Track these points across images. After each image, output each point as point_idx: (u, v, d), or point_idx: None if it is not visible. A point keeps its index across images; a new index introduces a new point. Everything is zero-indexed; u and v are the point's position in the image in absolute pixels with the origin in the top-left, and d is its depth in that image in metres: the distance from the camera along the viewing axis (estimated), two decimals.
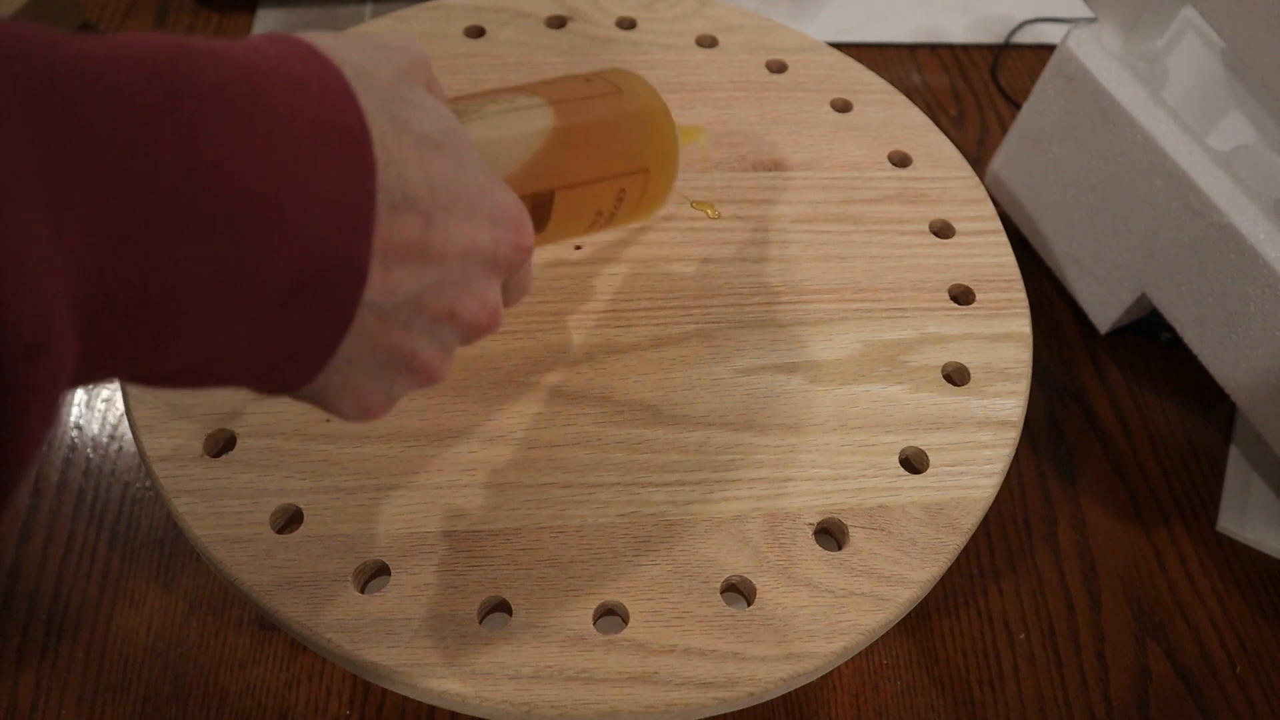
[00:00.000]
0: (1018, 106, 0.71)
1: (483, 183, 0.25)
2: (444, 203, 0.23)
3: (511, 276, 0.28)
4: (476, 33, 0.52)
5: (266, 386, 0.23)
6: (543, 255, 0.43)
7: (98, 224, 0.17)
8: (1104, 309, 0.58)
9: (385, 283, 0.23)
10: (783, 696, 0.46)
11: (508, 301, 0.29)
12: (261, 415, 0.37)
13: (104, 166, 0.17)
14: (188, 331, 0.20)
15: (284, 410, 0.38)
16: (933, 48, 0.76)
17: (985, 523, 0.53)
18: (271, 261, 0.20)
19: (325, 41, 0.23)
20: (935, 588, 0.37)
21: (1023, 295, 0.44)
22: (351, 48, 0.23)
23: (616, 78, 0.34)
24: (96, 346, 0.18)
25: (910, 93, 0.72)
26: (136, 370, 0.20)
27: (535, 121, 0.30)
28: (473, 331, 0.26)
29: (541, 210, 0.31)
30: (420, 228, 0.23)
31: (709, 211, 0.45)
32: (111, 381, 0.21)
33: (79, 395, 0.54)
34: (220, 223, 0.19)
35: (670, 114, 0.35)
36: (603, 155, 0.33)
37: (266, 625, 0.47)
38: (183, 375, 0.21)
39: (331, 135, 0.21)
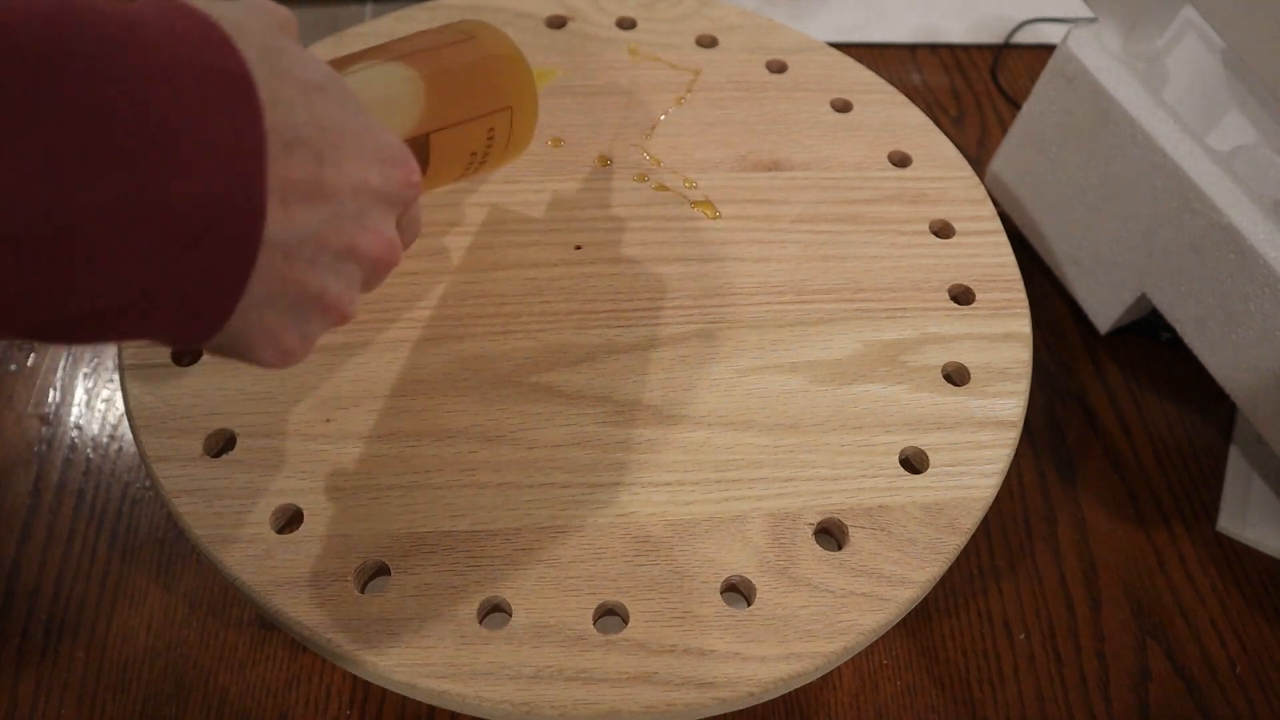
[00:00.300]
0: (1018, 106, 0.71)
1: (366, 124, 0.27)
2: (333, 141, 0.25)
3: (404, 214, 0.29)
4: None
5: (179, 336, 0.24)
6: (543, 255, 0.43)
7: (3, 162, 0.19)
8: (1104, 309, 0.58)
9: (286, 219, 0.24)
10: (783, 696, 0.46)
11: (406, 239, 0.30)
12: (261, 415, 0.37)
13: (10, 106, 0.19)
14: (95, 273, 0.21)
15: (284, 410, 0.38)
16: (933, 48, 0.76)
17: (985, 523, 0.53)
18: (173, 200, 0.21)
19: (197, 3, 0.24)
20: (935, 588, 0.37)
21: (1023, 295, 0.44)
22: (224, 8, 0.24)
23: (467, 26, 0.37)
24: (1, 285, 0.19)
25: (910, 93, 0.72)
26: (41, 315, 0.21)
27: (400, 73, 0.33)
28: (374, 266, 0.28)
29: (419, 154, 0.33)
30: (313, 165, 0.24)
31: (708, 212, 0.45)
32: (17, 336, 0.22)
33: (79, 395, 0.54)
34: (124, 161, 0.20)
35: (522, 54, 0.37)
36: (467, 97, 0.35)
37: (266, 625, 0.47)
38: (90, 324, 0.22)
39: (217, 79, 0.22)
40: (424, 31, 0.36)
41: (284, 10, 0.28)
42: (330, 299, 0.27)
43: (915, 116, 0.50)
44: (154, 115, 0.20)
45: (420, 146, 0.33)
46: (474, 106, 0.36)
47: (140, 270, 0.21)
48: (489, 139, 0.37)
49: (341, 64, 0.33)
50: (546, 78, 0.42)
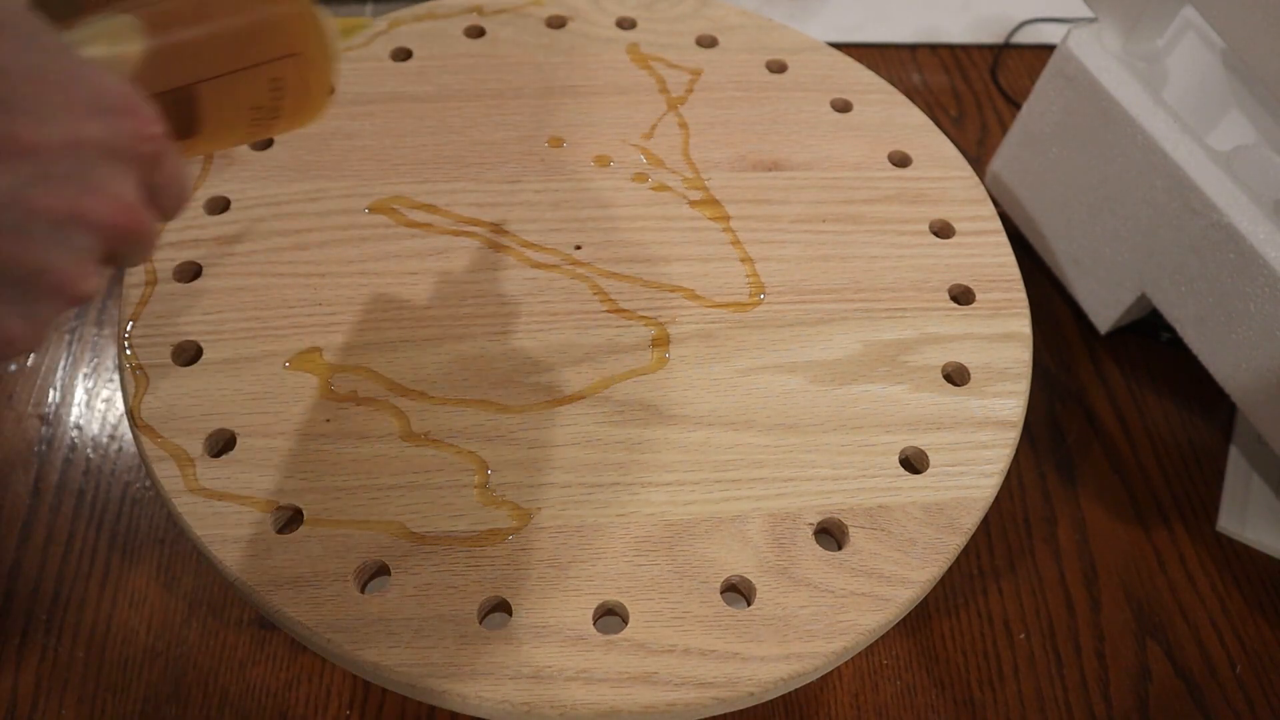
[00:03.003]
0: (1018, 106, 0.71)
1: (72, 67, 0.23)
2: (25, 90, 0.21)
3: (153, 171, 0.25)
4: (476, 33, 0.52)
5: None
6: (543, 255, 0.43)
7: None
8: (1104, 309, 0.58)
9: None
10: (783, 696, 0.46)
11: (163, 205, 0.26)
12: (261, 415, 0.37)
13: None
14: None
15: (284, 410, 0.38)
16: (933, 48, 0.76)
17: (985, 523, 0.53)
18: None
19: None
20: (935, 588, 0.37)
21: (1023, 295, 0.44)
22: None
23: None
24: None
25: (910, 93, 0.72)
26: None
27: (130, 22, 0.29)
28: (112, 233, 0.24)
29: (187, 108, 0.30)
30: (3, 122, 0.21)
31: (708, 212, 0.45)
32: None
33: (79, 395, 0.54)
34: None
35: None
36: (238, 44, 0.32)
37: (266, 625, 0.47)
38: None
39: None
40: None
41: None
42: (55, 276, 0.23)
43: (915, 116, 0.50)
44: None
45: (186, 99, 0.30)
46: (248, 54, 0.32)
47: None
48: (276, 90, 0.33)
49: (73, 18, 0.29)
50: (354, 29, 0.39)
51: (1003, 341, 0.42)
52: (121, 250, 0.25)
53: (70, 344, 0.56)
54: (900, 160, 0.48)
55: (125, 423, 0.53)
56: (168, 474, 0.36)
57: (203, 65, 0.30)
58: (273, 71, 0.33)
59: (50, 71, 0.22)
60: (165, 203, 0.26)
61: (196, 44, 0.30)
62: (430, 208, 0.45)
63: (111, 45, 0.28)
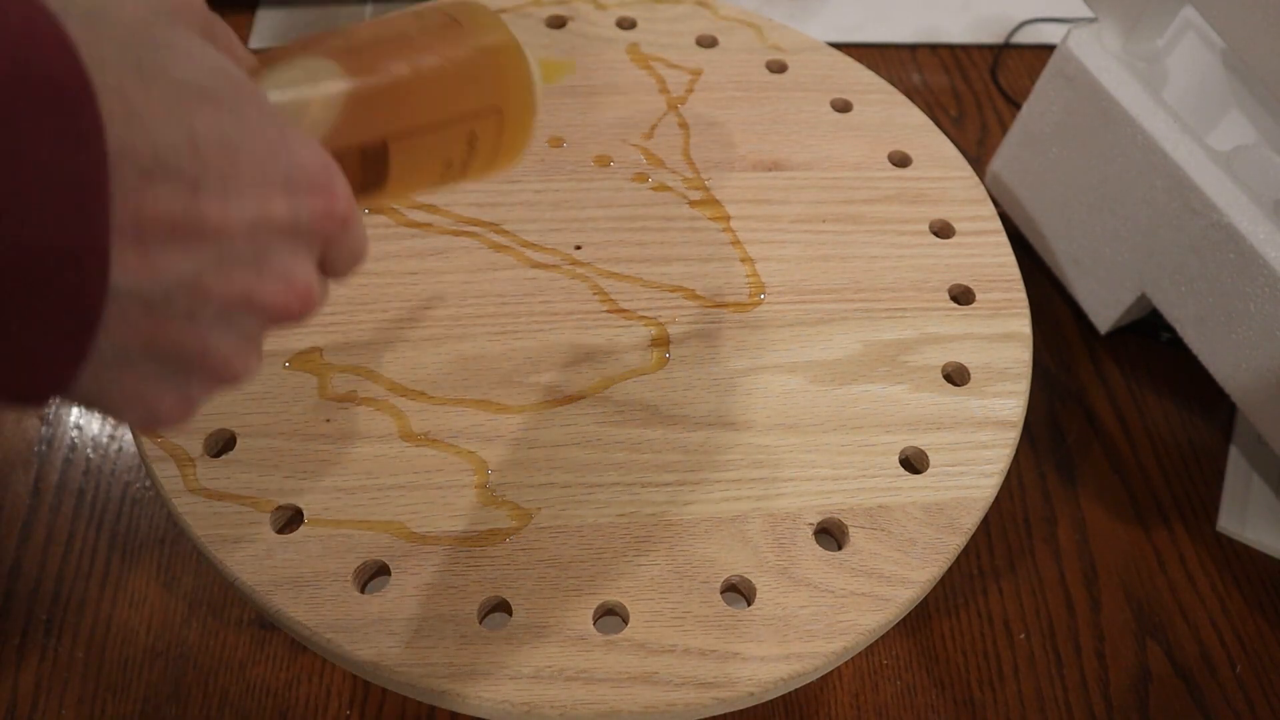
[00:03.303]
0: (1018, 106, 0.71)
1: (273, 139, 0.21)
2: (218, 165, 0.20)
3: (331, 248, 0.24)
4: None
5: (6, 398, 0.19)
6: (543, 255, 0.43)
7: None
8: (1104, 309, 0.58)
9: (146, 266, 0.19)
10: (783, 696, 0.46)
11: (336, 274, 0.25)
12: (261, 415, 0.37)
13: None
14: None
15: (284, 410, 0.38)
16: (933, 48, 0.76)
17: (985, 523, 0.53)
18: None
19: None
20: (935, 588, 0.37)
21: (1023, 295, 0.44)
22: None
23: (454, 9, 0.31)
24: None
25: (910, 93, 0.72)
26: None
27: (332, 69, 0.27)
28: (281, 318, 0.23)
29: (375, 164, 0.28)
30: (185, 197, 0.19)
31: (708, 212, 0.45)
32: None
33: None
34: None
35: (520, 46, 0.32)
36: (441, 96, 0.29)
37: (266, 625, 0.47)
38: None
39: (34, 87, 0.17)
40: (398, 14, 0.30)
41: None
42: (216, 359, 0.22)
43: (915, 116, 0.50)
44: None
45: (376, 155, 0.28)
46: (451, 107, 0.30)
47: None
48: (470, 145, 0.31)
49: (288, 50, 0.27)
50: (557, 72, 0.37)
51: (1003, 341, 0.42)
52: (287, 325, 0.23)
53: None
54: (900, 160, 0.48)
55: None
56: (168, 474, 0.36)
57: (401, 119, 0.28)
58: (473, 125, 0.30)
59: (247, 146, 0.20)
60: (340, 269, 0.25)
61: (396, 94, 0.28)
62: (430, 207, 0.45)
63: (308, 90, 0.26)
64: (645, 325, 0.41)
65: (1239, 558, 0.52)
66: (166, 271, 0.19)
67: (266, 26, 0.73)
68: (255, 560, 0.34)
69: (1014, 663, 0.48)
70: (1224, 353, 0.51)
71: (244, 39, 0.72)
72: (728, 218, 0.45)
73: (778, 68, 0.52)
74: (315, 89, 0.26)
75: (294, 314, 0.23)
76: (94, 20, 0.18)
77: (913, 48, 0.76)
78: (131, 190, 0.18)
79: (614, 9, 0.53)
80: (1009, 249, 0.45)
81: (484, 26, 0.30)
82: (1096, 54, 0.53)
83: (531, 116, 0.33)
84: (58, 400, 0.20)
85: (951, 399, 0.40)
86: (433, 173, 0.30)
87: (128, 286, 0.19)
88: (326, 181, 0.22)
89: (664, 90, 0.50)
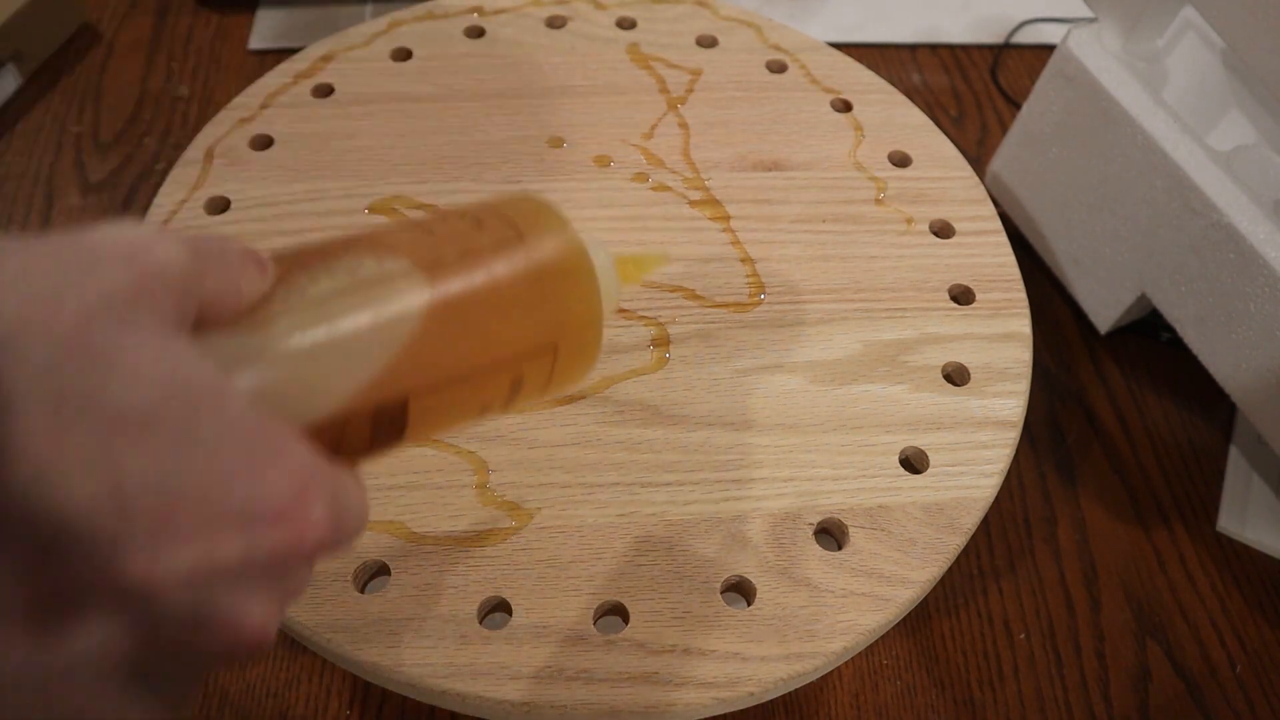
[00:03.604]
0: (1018, 106, 0.71)
1: (230, 463, 0.17)
2: (148, 514, 0.16)
3: (302, 567, 0.19)
4: (476, 33, 0.52)
5: None
6: None
7: None
8: (1104, 309, 0.58)
9: (40, 646, 0.16)
10: (783, 696, 0.46)
11: (306, 577, 0.20)
12: None
13: None
14: None
15: None
16: (933, 48, 0.76)
17: (985, 523, 0.53)
18: None
19: None
20: (935, 588, 0.37)
21: (1023, 295, 0.44)
22: (26, 275, 0.16)
23: (515, 212, 0.24)
24: None
25: (910, 93, 0.72)
26: None
27: (392, 304, 0.21)
28: (223, 663, 0.19)
29: (390, 422, 0.21)
30: (99, 560, 0.16)
31: (708, 212, 0.45)
32: None
33: None
34: None
35: (592, 265, 0.25)
36: (485, 335, 0.22)
37: None
38: None
39: None
40: (450, 212, 0.24)
41: (149, 258, 0.17)
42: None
43: (915, 116, 0.50)
44: None
45: (392, 413, 0.21)
46: (494, 350, 0.23)
47: None
48: (514, 389, 0.24)
49: (306, 260, 0.21)
50: (641, 269, 0.30)
51: (1003, 341, 0.42)
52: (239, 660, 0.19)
53: None
54: (900, 160, 0.48)
55: None
56: None
57: (438, 370, 0.22)
58: (521, 368, 0.24)
59: (192, 481, 0.17)
60: (324, 558, 0.20)
61: (446, 344, 0.22)
62: (430, 208, 0.45)
63: (361, 327, 0.20)
64: (645, 325, 0.41)
65: (1239, 558, 0.52)
66: (70, 646, 0.16)
67: (267, 26, 0.73)
68: None
69: (1014, 663, 0.48)
70: (1224, 353, 0.51)
71: (244, 39, 0.72)
72: (727, 218, 0.45)
73: (778, 68, 0.52)
74: (360, 322, 0.20)
75: (239, 658, 0.19)
76: (11, 341, 0.15)
77: (913, 48, 0.76)
78: (28, 569, 0.16)
79: (614, 9, 0.53)
80: (1009, 249, 0.45)
81: (548, 235, 0.24)
82: (1096, 54, 0.53)
83: (594, 349, 0.26)
84: None
85: (951, 399, 0.40)
86: (465, 418, 0.24)
87: (14, 668, 0.16)
88: (297, 510, 0.18)
89: (664, 90, 0.50)
